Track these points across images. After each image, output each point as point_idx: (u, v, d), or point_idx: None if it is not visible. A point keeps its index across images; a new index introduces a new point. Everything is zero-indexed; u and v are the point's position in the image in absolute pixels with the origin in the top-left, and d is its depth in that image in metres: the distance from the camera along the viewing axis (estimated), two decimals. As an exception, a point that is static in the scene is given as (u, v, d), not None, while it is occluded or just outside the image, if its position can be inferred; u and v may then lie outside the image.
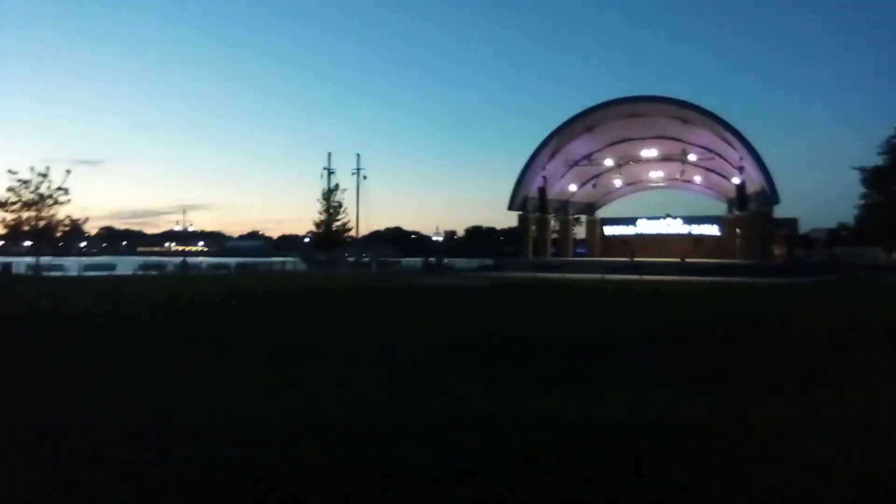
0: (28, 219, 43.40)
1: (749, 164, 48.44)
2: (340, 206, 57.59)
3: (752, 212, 51.65)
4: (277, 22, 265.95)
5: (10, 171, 42.36)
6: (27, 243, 51.80)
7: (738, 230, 57.19)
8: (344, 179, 64.36)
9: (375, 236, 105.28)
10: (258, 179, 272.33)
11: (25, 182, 42.54)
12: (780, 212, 50.50)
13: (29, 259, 48.31)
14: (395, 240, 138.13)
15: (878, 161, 54.87)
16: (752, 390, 8.00)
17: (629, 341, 12.42)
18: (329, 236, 57.36)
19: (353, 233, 60.92)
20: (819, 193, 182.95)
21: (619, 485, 4.61)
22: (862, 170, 57.00)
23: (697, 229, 61.33)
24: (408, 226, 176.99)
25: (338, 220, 57.45)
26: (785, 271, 43.97)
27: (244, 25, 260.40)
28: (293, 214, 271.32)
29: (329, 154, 58.85)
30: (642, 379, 8.71)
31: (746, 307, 20.39)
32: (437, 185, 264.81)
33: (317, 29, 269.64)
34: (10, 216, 43.17)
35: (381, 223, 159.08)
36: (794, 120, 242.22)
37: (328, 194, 57.37)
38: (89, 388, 8.04)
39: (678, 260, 48.40)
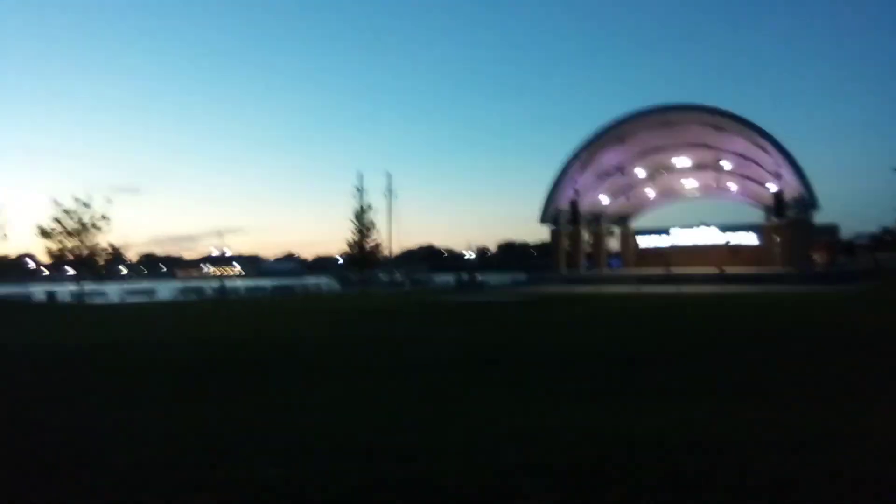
0: (71, 247, 44.67)
1: (786, 171, 47.51)
2: (372, 225, 58.03)
3: (791, 219, 50.56)
4: (307, 44, 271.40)
5: (54, 201, 43.76)
6: (70, 271, 53.21)
7: (776, 238, 56.03)
8: (375, 198, 65.11)
9: (408, 254, 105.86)
10: (292, 201, 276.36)
11: (68, 211, 43.87)
12: (820, 218, 49.40)
13: (72, 286, 49.60)
14: (428, 257, 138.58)
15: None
16: (798, 405, 7.78)
17: (669, 355, 12.20)
18: (362, 256, 57.72)
19: (385, 252, 61.35)
20: (861, 198, 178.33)
21: (661, 502, 4.52)
22: (903, 172, 55.49)
23: (735, 238, 60.32)
24: (440, 243, 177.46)
25: (370, 240, 57.85)
26: (827, 279, 42.85)
27: (275, 50, 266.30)
28: (327, 235, 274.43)
29: (360, 174, 59.58)
30: (684, 393, 8.52)
31: (789, 317, 19.92)
32: (467, 202, 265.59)
33: (345, 49, 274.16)
34: (54, 245, 44.51)
35: (413, 241, 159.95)
36: (832, 123, 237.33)
37: (360, 214, 57.86)
38: (133, 409, 8.19)
39: (716, 270, 47.56)
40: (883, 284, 38.60)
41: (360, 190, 58.67)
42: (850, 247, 73.73)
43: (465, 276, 62.03)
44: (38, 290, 48.68)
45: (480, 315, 23.97)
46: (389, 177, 62.35)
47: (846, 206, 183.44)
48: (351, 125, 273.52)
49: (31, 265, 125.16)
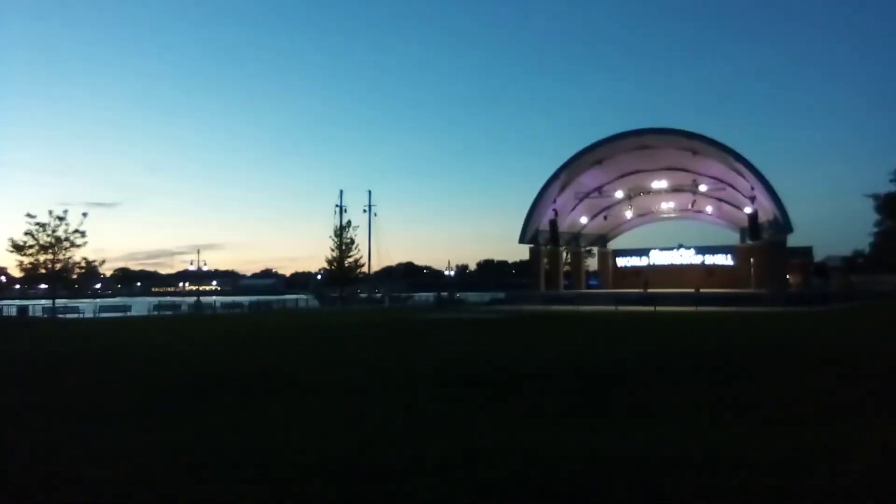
0: (45, 262, 43.77)
1: (760, 194, 48.29)
2: (352, 242, 57.81)
3: (766, 241, 51.30)
4: (287, 62, 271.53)
5: (28, 215, 42.98)
6: (43, 286, 52.24)
7: (751, 259, 56.78)
8: (356, 216, 64.63)
9: (388, 272, 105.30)
10: (271, 218, 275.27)
11: (43, 225, 43.07)
12: (794, 240, 50.18)
13: (45, 302, 48.71)
14: (408, 275, 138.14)
15: (892, 188, 54.68)
16: (772, 423, 7.87)
17: (646, 372, 12.27)
18: (341, 273, 57.47)
19: (365, 269, 61.02)
20: (834, 221, 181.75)
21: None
22: (875, 197, 56.78)
23: (711, 259, 61.01)
24: (420, 261, 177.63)
25: (350, 257, 57.62)
26: (800, 300, 43.46)
27: (255, 66, 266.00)
28: (306, 252, 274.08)
29: (341, 191, 59.43)
30: (661, 410, 8.57)
31: (763, 337, 20.15)
32: (448, 220, 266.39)
33: (327, 66, 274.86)
34: (27, 259, 43.58)
35: (393, 258, 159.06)
36: (806, 148, 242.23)
37: (340, 231, 57.66)
38: (101, 429, 8.04)
39: (692, 290, 48.02)
40: (854, 306, 39.25)
41: (340, 207, 58.64)
42: (824, 269, 74.95)
43: (444, 294, 62.10)
44: (6, 305, 47.68)
45: (457, 333, 23.90)
46: (370, 194, 62.19)
47: (819, 230, 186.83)
48: (332, 142, 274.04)
49: (2, 279, 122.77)
